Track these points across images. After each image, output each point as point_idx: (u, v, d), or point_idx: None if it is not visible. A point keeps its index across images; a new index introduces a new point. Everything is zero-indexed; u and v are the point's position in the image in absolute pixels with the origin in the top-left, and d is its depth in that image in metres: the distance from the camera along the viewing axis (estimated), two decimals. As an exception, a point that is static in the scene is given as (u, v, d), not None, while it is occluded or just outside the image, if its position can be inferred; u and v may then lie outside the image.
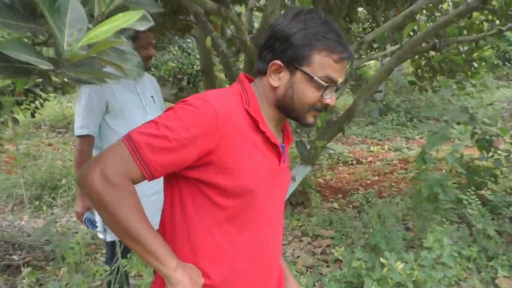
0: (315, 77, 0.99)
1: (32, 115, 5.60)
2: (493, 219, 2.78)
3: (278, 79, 1.03)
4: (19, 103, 5.41)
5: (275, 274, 1.16)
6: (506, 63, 10.21)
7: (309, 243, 3.41)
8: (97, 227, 2.14)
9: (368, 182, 4.87)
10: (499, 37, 3.51)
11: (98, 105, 2.06)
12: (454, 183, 3.05)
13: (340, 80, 1.02)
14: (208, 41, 2.51)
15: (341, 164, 5.91)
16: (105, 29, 0.56)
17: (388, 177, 5.07)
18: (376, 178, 5.14)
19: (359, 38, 5.56)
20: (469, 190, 2.80)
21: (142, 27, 0.68)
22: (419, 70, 5.15)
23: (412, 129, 7.24)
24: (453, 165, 3.04)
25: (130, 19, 0.58)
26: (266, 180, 1.04)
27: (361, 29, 6.67)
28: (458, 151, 3.21)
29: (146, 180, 1.52)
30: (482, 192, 3.02)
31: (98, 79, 0.70)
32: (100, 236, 2.27)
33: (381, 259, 2.33)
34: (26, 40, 0.67)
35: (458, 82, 4.96)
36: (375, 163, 5.83)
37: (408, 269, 2.21)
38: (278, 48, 1.02)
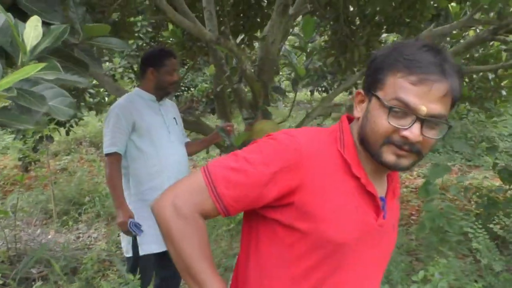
0: (384, 101, 0.83)
1: (67, 133, 5.91)
2: (501, 253, 2.66)
3: (360, 110, 0.91)
4: (56, 122, 5.72)
5: None
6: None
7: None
8: (142, 230, 2.17)
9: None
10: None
11: (125, 125, 2.18)
12: (465, 214, 2.95)
13: (422, 108, 0.81)
14: (212, 68, 2.61)
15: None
16: (4, 82, 0.64)
17: (411, 205, 4.94)
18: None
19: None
20: (476, 223, 2.71)
21: (50, 76, 0.76)
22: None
23: (444, 155, 7.02)
24: (458, 196, 2.95)
25: (30, 71, 0.66)
26: (355, 234, 0.89)
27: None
28: (464, 182, 3.11)
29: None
30: (491, 225, 2.91)
31: (19, 118, 0.78)
32: (126, 255, 2.32)
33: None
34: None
35: (487, 110, 4.83)
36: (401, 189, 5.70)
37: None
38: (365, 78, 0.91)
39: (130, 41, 6.29)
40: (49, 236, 4.31)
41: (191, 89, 11.56)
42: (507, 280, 2.57)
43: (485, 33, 2.59)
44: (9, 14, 0.75)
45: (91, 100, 5.85)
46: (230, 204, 0.86)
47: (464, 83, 4.73)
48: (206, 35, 2.23)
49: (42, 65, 0.67)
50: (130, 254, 2.25)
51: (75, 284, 3.07)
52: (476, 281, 2.55)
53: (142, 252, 2.21)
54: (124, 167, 2.25)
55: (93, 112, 6.87)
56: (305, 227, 0.86)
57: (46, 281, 3.18)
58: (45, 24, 0.88)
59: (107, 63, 8.32)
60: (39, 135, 5.35)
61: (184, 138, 2.51)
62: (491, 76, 4.28)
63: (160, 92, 2.33)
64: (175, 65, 2.28)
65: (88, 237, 4.29)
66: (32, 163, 6.52)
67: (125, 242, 2.28)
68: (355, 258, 0.90)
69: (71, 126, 5.99)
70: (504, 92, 4.47)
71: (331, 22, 4.56)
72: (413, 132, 0.82)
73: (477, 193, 3.58)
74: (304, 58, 2.72)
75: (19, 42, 0.75)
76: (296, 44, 2.79)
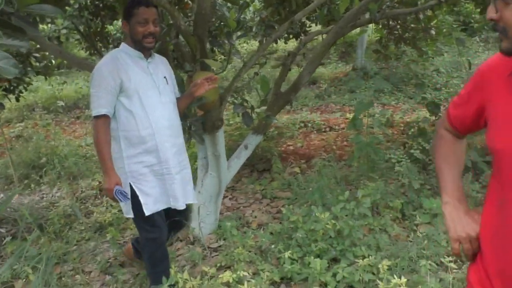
0: None
1: (17, 99, 5.88)
2: (421, 174, 3.07)
3: None
4: (4, 89, 5.68)
5: None
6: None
7: (267, 204, 3.74)
8: (129, 198, 2.16)
9: (334, 147, 5.16)
10: (440, 8, 3.72)
11: (113, 85, 2.07)
12: (392, 144, 3.34)
13: None
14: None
15: (315, 131, 6.19)
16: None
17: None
18: (345, 143, 5.43)
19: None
20: (399, 150, 3.09)
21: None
22: (383, 39, 5.37)
23: (389, 95, 7.47)
24: (380, 128, 3.33)
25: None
26: None
27: None
28: (386, 115, 3.48)
29: (171, 159, 2.25)
30: (412, 151, 3.31)
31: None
32: (126, 215, 2.33)
33: (316, 213, 2.67)
34: None
35: (420, 50, 5.18)
36: (347, 129, 6.11)
37: (331, 219, 2.54)
38: None
39: (72, 1, 6.18)
40: (13, 200, 4.46)
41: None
42: (425, 195, 3.00)
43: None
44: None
45: (37, 64, 5.81)
46: (455, 121, 1.16)
47: (398, 25, 5.06)
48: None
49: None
50: (130, 215, 2.24)
51: (44, 238, 3.31)
52: (398, 198, 2.96)
53: (148, 211, 2.18)
54: (114, 130, 2.17)
55: (42, 77, 6.82)
56: (487, 137, 1.01)
57: (15, 239, 3.38)
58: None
59: (49, 25, 8.11)
60: (-12, 104, 5.33)
61: (176, 97, 2.40)
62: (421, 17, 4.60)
63: (139, 47, 2.16)
64: (147, 14, 2.07)
65: (52, 196, 4.47)
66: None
67: (123, 203, 2.25)
68: None
69: (21, 92, 5.96)
70: (433, 32, 4.83)
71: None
72: None
73: (408, 125, 3.98)
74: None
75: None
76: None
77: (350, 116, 6.97)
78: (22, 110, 9.87)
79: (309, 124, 6.43)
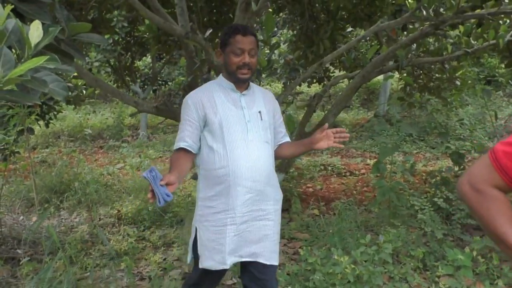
0: None
1: (47, 125, 6.07)
2: (445, 224, 3.01)
3: None
4: (37, 115, 5.87)
5: None
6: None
7: (284, 244, 3.69)
8: (156, 178, 1.65)
9: (354, 192, 5.12)
10: (465, 58, 3.77)
11: (196, 118, 1.93)
12: (415, 191, 3.30)
13: None
14: (183, 60, 2.87)
15: (335, 175, 6.17)
16: (18, 70, 0.91)
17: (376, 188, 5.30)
18: (365, 188, 5.39)
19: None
20: (423, 197, 3.05)
21: (51, 65, 1.03)
22: (407, 87, 5.42)
23: (411, 144, 7.44)
24: (405, 174, 3.30)
25: (37, 62, 0.93)
26: None
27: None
28: (410, 162, 3.46)
29: (239, 207, 1.90)
30: (435, 199, 3.25)
31: (24, 96, 1.04)
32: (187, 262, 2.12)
33: (335, 255, 2.62)
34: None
35: (444, 99, 5.20)
36: (367, 175, 6.07)
37: (350, 263, 2.49)
38: None
39: (106, 36, 6.47)
40: (31, 222, 4.51)
41: (168, 82, 11.76)
42: (448, 246, 2.92)
43: (428, 28, 2.92)
44: (18, 20, 1.01)
45: (69, 93, 6.02)
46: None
47: (423, 74, 5.11)
48: (176, 30, 2.49)
49: (45, 57, 0.94)
50: (189, 260, 2.07)
51: (60, 262, 3.32)
52: (419, 247, 2.90)
53: (200, 264, 1.97)
54: (197, 167, 2.02)
55: (72, 107, 7.05)
56: None
57: (31, 260, 3.40)
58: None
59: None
60: (20, 128, 5.51)
61: (277, 138, 2.12)
62: (446, 68, 4.65)
63: (232, 79, 1.96)
64: (244, 44, 1.88)
65: (70, 221, 4.51)
66: (12, 154, 6.67)
67: (190, 247, 2.07)
68: None
69: (50, 118, 6.15)
70: (458, 83, 4.86)
71: (298, 18, 4.86)
72: None
73: (431, 174, 3.94)
74: (268, 51, 3.00)
75: (26, 40, 1.01)
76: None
77: (371, 162, 6.95)
78: (48, 136, 10.14)
79: (329, 168, 6.42)
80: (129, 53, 8.63)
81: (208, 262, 1.93)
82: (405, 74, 5.28)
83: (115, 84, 9.76)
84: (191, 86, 3.59)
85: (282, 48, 7.14)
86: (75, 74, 4.82)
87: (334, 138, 1.95)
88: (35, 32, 1.03)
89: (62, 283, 2.81)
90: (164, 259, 3.48)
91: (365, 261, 2.57)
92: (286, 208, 4.48)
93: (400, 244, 2.79)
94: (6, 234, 3.75)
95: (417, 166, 5.82)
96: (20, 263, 3.37)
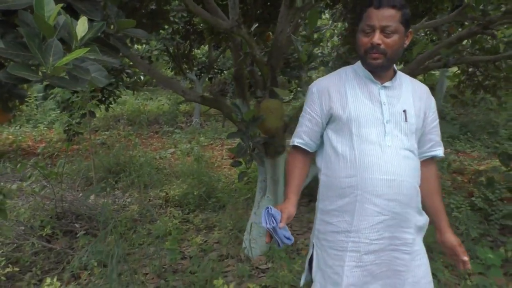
0: None
1: (107, 109, 6.47)
2: (484, 224, 2.94)
3: None
4: (98, 100, 6.28)
5: None
6: None
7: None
8: (276, 227, 1.46)
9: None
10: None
11: (319, 112, 1.62)
12: (455, 189, 3.23)
13: None
14: (228, 52, 2.99)
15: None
16: (65, 59, 1.06)
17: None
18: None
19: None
20: (460, 196, 2.99)
21: (92, 56, 1.17)
22: (461, 85, 5.24)
23: (465, 142, 7.17)
24: (441, 171, 3.24)
25: (80, 53, 1.07)
26: None
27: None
28: (448, 160, 3.38)
29: (365, 229, 1.46)
30: (473, 198, 3.17)
31: (73, 83, 1.20)
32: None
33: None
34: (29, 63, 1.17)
35: (499, 98, 4.99)
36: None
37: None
38: None
39: (166, 26, 6.76)
40: (89, 200, 4.88)
41: (224, 71, 12.02)
42: (483, 245, 2.87)
43: (475, 28, 2.84)
44: (67, 16, 1.16)
45: (128, 79, 6.38)
46: None
47: (478, 72, 4.92)
48: (222, 24, 2.62)
49: (87, 49, 1.09)
50: (302, 283, 1.76)
51: (111, 237, 3.59)
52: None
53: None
54: (319, 170, 1.66)
55: (130, 92, 7.45)
56: None
57: (87, 234, 3.72)
58: (90, 20, 1.30)
59: (144, 45, 8.85)
60: (83, 111, 5.94)
61: (423, 147, 1.64)
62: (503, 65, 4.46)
63: (364, 65, 1.55)
64: (375, 19, 1.45)
65: (123, 201, 4.83)
66: (76, 135, 7.17)
67: (306, 265, 1.76)
68: None
69: (110, 103, 6.55)
70: (515, 81, 4.65)
71: (350, 12, 4.84)
72: None
73: (476, 174, 3.83)
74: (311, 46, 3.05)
75: (74, 34, 1.17)
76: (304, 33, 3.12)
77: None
78: (109, 120, 10.75)
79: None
80: (187, 42, 8.90)
81: (321, 285, 1.60)
82: (459, 72, 5.12)
83: (173, 71, 10.15)
84: (236, 77, 3.71)
85: (335, 40, 7.09)
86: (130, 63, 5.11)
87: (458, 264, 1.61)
88: (81, 27, 1.18)
89: (113, 256, 3.06)
90: (205, 241, 3.66)
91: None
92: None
93: (432, 240, 2.77)
94: (66, 209, 4.10)
95: (469, 165, 5.63)
96: (77, 235, 3.69)
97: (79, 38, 1.18)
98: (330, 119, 1.59)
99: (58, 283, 2.49)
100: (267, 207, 1.49)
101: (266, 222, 1.46)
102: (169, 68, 10.88)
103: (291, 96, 2.90)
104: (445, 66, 3.30)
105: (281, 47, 2.84)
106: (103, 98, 6.42)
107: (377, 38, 1.45)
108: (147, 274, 3.12)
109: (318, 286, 1.61)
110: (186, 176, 5.22)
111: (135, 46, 9.16)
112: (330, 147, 1.59)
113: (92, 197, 4.97)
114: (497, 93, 4.89)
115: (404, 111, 1.54)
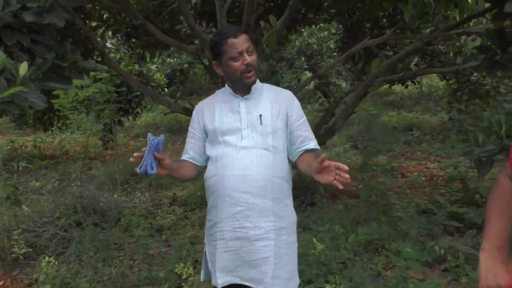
0: None
1: (134, 118, 7.20)
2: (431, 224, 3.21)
3: None
4: (124, 110, 7.00)
5: None
6: None
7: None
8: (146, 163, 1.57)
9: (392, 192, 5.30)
10: (482, 69, 3.78)
11: (197, 128, 1.89)
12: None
13: None
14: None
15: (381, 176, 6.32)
16: (6, 93, 1.62)
17: (421, 191, 5.40)
18: (408, 191, 5.52)
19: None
20: (406, 198, 3.29)
21: (27, 90, 1.72)
22: (458, 93, 5.44)
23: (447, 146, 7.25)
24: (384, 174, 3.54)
25: (17, 89, 1.63)
26: None
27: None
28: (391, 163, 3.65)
29: (226, 219, 1.74)
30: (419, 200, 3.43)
31: (15, 108, 1.75)
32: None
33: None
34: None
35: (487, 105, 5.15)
36: (417, 177, 6.13)
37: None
38: None
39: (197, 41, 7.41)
40: (111, 199, 5.55)
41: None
42: (415, 242, 3.14)
43: (418, 44, 3.15)
44: (11, 62, 1.73)
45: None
46: None
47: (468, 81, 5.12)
48: (188, 49, 3.14)
49: (21, 87, 1.64)
50: (202, 278, 2.02)
51: (116, 229, 4.21)
52: (393, 242, 3.18)
53: (213, 281, 1.87)
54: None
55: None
56: None
57: (96, 226, 4.35)
58: (42, 58, 1.87)
59: (175, 59, 9.57)
60: (106, 120, 6.69)
61: (294, 143, 1.82)
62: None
63: (238, 87, 1.82)
64: (239, 45, 1.72)
65: (139, 200, 5.47)
66: (109, 141, 7.99)
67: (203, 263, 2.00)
68: None
69: (137, 113, 7.28)
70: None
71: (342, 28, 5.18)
72: None
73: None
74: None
75: (17, 74, 1.73)
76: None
77: (430, 165, 6.94)
78: (149, 127, 11.63)
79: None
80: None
81: (212, 279, 1.86)
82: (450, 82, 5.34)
83: (211, 81, 10.84)
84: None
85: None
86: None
87: (336, 175, 1.49)
88: (23, 69, 1.75)
89: (113, 244, 3.65)
90: (196, 236, 4.17)
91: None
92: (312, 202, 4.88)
93: (377, 236, 3.11)
94: (84, 205, 4.77)
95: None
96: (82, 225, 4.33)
97: (21, 76, 1.75)
98: (207, 134, 1.86)
99: (54, 261, 3.10)
100: (161, 136, 1.65)
101: (152, 138, 1.59)
102: (205, 79, 11.57)
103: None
104: (403, 79, 3.63)
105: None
106: (131, 109, 7.14)
107: (248, 58, 1.73)
108: (136, 260, 3.68)
109: (211, 275, 1.88)
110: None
111: (167, 59, 9.97)
112: (208, 155, 1.87)
113: (114, 196, 5.65)
114: (488, 100, 5.07)
115: (260, 115, 1.78)
